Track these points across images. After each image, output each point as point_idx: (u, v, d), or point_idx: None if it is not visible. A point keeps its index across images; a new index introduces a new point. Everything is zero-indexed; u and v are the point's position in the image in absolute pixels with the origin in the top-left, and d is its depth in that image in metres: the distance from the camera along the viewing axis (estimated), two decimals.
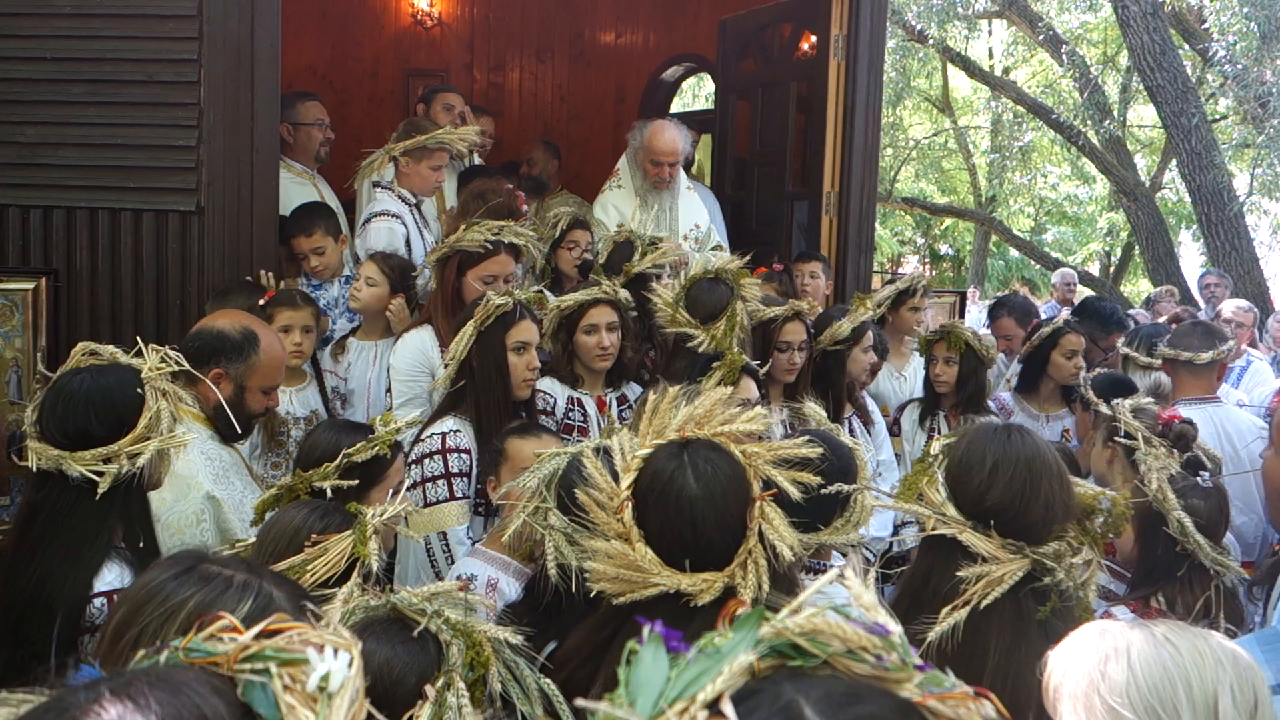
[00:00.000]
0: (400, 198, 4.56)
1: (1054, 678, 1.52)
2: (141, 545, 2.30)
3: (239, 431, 2.92)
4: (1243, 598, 2.84)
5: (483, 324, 3.29)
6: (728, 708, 0.78)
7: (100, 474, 2.22)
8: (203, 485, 2.71)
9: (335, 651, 0.97)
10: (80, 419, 2.26)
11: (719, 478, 1.74)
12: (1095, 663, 1.47)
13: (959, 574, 2.00)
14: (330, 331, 4.31)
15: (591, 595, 1.90)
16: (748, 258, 4.05)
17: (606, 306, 3.74)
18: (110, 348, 2.42)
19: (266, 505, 2.50)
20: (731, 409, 1.86)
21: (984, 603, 1.96)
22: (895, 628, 0.87)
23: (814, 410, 2.86)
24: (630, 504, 1.76)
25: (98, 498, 2.21)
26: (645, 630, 0.86)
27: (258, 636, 0.97)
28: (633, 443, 1.86)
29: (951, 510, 2.09)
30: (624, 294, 3.84)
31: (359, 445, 2.58)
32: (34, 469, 2.24)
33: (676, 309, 3.77)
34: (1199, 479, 2.81)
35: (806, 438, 2.05)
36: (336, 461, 2.55)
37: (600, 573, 1.77)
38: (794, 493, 1.79)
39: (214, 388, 2.78)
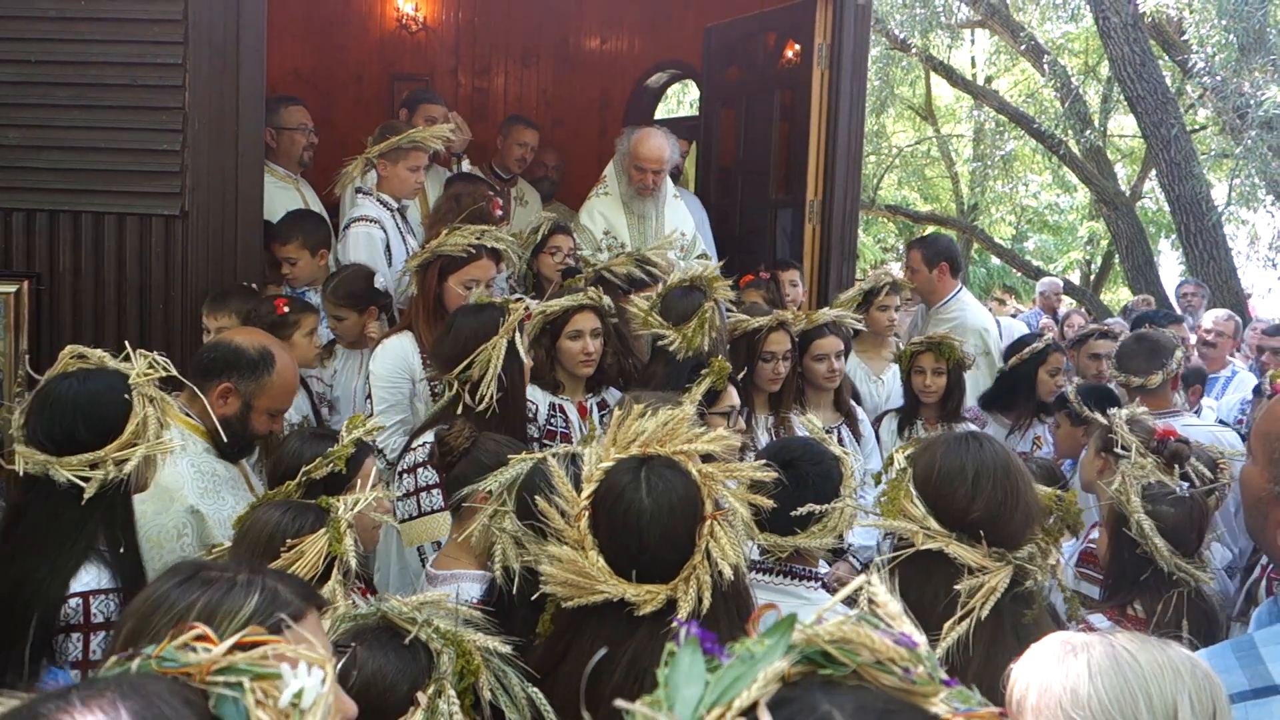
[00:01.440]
0: (381, 203, 4.57)
1: (1016, 691, 1.54)
2: (123, 550, 2.30)
3: (237, 449, 2.91)
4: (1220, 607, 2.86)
5: (510, 333, 3.30)
6: (765, 716, 0.79)
7: (87, 479, 2.23)
8: (186, 499, 2.70)
9: (309, 668, 0.97)
10: (68, 424, 2.28)
11: (670, 495, 1.82)
12: (1057, 676, 1.50)
13: (955, 587, 2.02)
14: None
15: (533, 598, 1.97)
16: (722, 264, 4.08)
17: (591, 313, 3.76)
18: (99, 352, 2.43)
19: (244, 521, 2.49)
20: (695, 429, 1.90)
21: (984, 613, 1.98)
22: (921, 639, 0.87)
23: (809, 420, 2.89)
24: (587, 513, 1.85)
25: (84, 503, 2.23)
26: (682, 632, 0.87)
27: (232, 649, 0.97)
28: (598, 454, 1.93)
29: (934, 523, 2.11)
30: (607, 301, 3.86)
31: (316, 462, 2.54)
32: (20, 473, 2.25)
33: (649, 313, 3.80)
34: (1177, 489, 2.85)
35: (763, 461, 2.11)
36: (296, 480, 2.52)
37: (552, 575, 1.85)
38: (744, 512, 1.87)
39: (205, 400, 2.77)
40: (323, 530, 2.08)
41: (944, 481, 2.13)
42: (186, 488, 2.70)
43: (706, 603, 1.75)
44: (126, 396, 2.34)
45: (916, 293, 5.44)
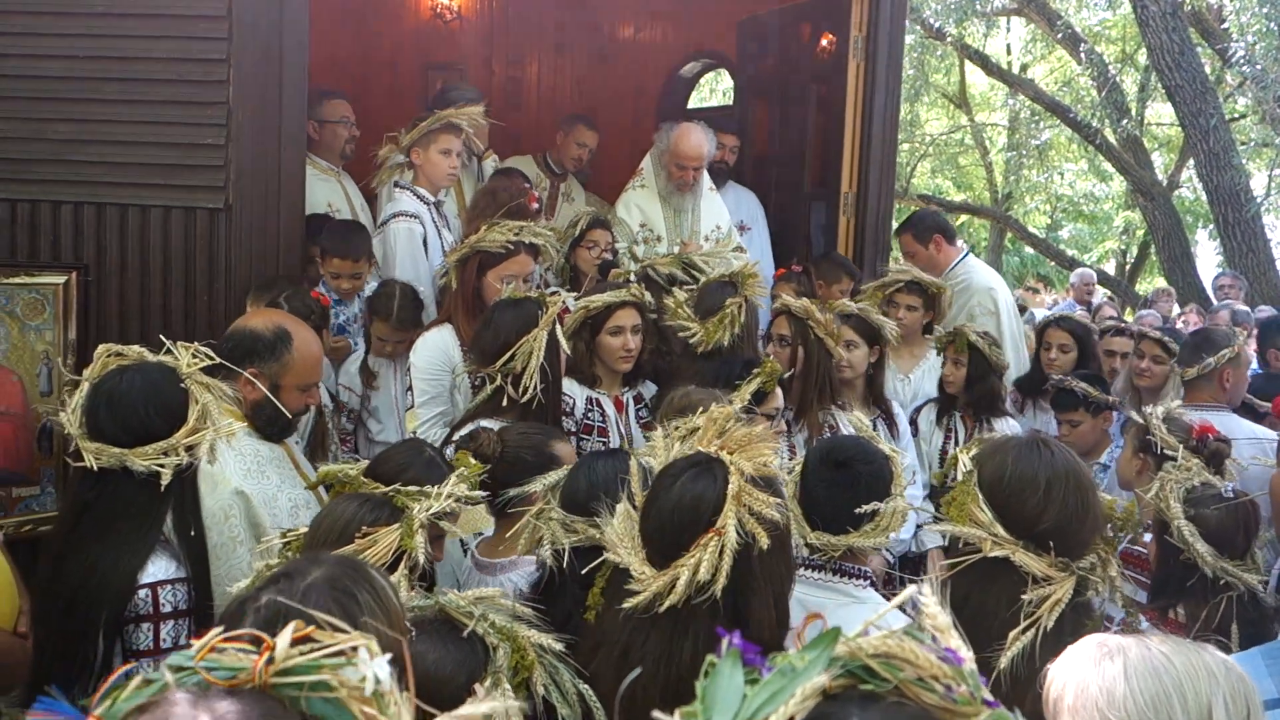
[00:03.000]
0: (419, 197, 4.60)
1: (1053, 690, 1.57)
2: (192, 533, 2.40)
3: (277, 431, 2.97)
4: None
5: (549, 326, 3.35)
6: None
7: (162, 466, 2.32)
8: (230, 481, 2.75)
9: (370, 655, 1.01)
10: (140, 416, 2.37)
11: (684, 495, 1.88)
12: (1094, 677, 1.52)
13: (1023, 596, 2.02)
14: (354, 345, 4.37)
15: (584, 571, 2.05)
16: (757, 263, 4.09)
17: (632, 309, 3.81)
18: (136, 348, 2.50)
19: (328, 475, 2.57)
20: (768, 449, 1.94)
21: (1049, 623, 1.98)
22: (968, 655, 0.87)
23: (856, 418, 2.91)
24: None
25: (163, 489, 2.32)
26: (724, 643, 0.88)
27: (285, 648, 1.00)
28: (694, 442, 2.01)
29: (1000, 530, 2.09)
30: (648, 297, 3.89)
31: (410, 490, 2.35)
32: (94, 468, 2.33)
33: (681, 305, 3.83)
34: (1222, 490, 2.82)
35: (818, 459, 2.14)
36: (384, 489, 2.48)
37: (613, 527, 1.97)
38: (731, 538, 1.85)
39: (256, 383, 2.84)
40: (396, 525, 2.13)
41: (1015, 489, 2.12)
42: (230, 470, 2.76)
43: (669, 601, 1.78)
44: (184, 385, 2.43)
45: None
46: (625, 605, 1.80)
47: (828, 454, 2.47)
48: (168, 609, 2.30)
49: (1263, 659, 1.94)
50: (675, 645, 1.80)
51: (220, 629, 1.05)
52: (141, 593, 2.29)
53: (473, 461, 2.54)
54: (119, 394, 2.39)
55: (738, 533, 1.81)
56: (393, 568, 2.06)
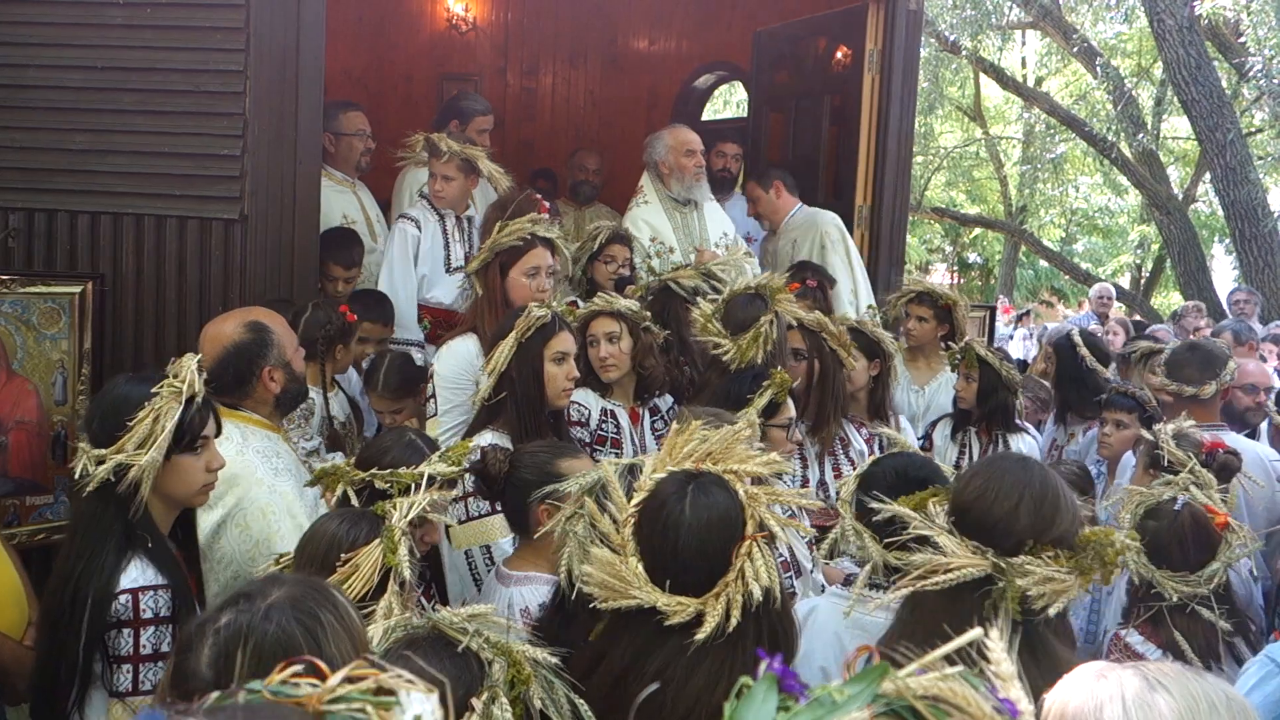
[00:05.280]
0: (432, 207, 4.74)
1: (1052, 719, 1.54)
2: (150, 546, 2.35)
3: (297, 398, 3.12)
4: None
5: (524, 336, 3.34)
6: None
7: (88, 470, 2.29)
8: (263, 481, 2.81)
9: (424, 694, 0.98)
10: (89, 416, 2.40)
11: (711, 510, 1.85)
12: (1091, 708, 1.48)
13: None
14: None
15: (592, 605, 1.98)
16: (787, 275, 4.08)
17: (606, 318, 3.82)
18: (191, 363, 2.44)
19: (321, 476, 2.60)
20: (750, 449, 1.92)
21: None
22: (1027, 708, 0.83)
23: (894, 433, 2.90)
24: (633, 520, 1.90)
25: (84, 494, 2.30)
26: (762, 666, 0.85)
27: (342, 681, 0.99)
28: (654, 465, 1.98)
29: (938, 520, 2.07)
30: (625, 304, 3.88)
31: (387, 473, 2.49)
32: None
33: (710, 319, 3.81)
34: (1174, 506, 2.83)
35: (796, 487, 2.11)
36: (363, 474, 2.52)
37: (591, 576, 1.90)
38: (780, 534, 1.86)
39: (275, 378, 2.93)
40: (377, 540, 2.11)
41: (983, 501, 2.06)
42: (259, 471, 2.83)
43: (734, 621, 1.76)
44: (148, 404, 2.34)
45: (763, 220, 5.67)
46: (697, 638, 1.74)
47: (903, 473, 2.46)
48: (148, 615, 2.26)
49: None
50: (737, 664, 1.76)
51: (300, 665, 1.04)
52: (122, 598, 2.25)
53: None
54: (99, 394, 2.43)
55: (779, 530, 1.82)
56: (382, 584, 2.04)
